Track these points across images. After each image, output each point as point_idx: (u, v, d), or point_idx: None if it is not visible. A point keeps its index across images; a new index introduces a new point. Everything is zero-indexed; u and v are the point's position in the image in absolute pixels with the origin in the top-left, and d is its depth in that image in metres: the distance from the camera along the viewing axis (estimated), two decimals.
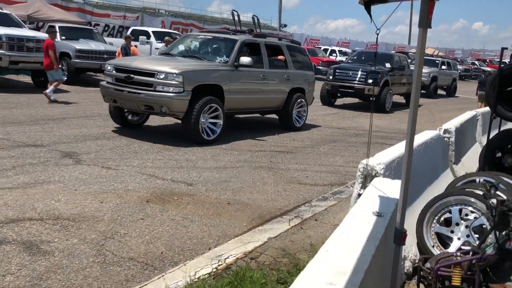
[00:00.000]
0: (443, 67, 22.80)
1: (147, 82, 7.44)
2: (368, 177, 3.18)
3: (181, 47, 9.47)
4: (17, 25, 13.31)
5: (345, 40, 45.77)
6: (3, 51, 11.71)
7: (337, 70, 15.06)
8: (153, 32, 19.70)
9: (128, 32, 18.90)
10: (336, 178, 6.61)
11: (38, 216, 4.22)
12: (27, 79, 14.10)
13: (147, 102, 7.41)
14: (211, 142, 7.83)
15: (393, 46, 45.75)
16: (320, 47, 34.29)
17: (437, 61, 22.89)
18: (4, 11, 14.52)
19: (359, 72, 14.53)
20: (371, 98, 14.68)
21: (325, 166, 7.21)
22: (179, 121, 8.06)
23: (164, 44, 14.49)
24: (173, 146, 7.43)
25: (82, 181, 5.30)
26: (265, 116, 10.67)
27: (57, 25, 16.53)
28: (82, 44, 15.40)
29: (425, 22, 2.27)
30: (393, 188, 2.80)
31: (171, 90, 7.33)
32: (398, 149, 3.87)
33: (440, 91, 23.31)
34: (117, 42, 18.92)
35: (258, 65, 9.03)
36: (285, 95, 9.75)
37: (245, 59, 8.40)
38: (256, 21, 10.48)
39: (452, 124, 6.18)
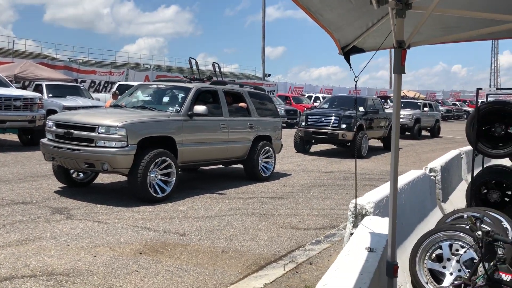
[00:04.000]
0: (425, 108, 23.42)
1: (88, 137, 6.91)
2: (358, 216, 3.28)
3: (132, 98, 8.89)
4: (4, 85, 13.48)
5: (328, 87, 46.98)
6: None
7: (309, 116, 14.82)
8: None
9: (115, 88, 19.25)
10: (328, 221, 6.66)
11: (31, 273, 4.17)
12: (13, 137, 14.12)
13: (88, 159, 6.83)
14: (163, 199, 7.19)
15: (375, 90, 47.03)
16: (305, 95, 35.08)
17: (419, 103, 23.53)
18: None
19: (332, 117, 14.32)
20: (347, 144, 14.40)
21: (316, 210, 7.27)
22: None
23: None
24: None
25: (74, 236, 5.27)
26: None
27: (43, 84, 16.78)
28: (69, 101, 15.59)
29: (399, 69, 2.46)
30: (383, 225, 2.89)
31: (113, 145, 6.80)
32: (386, 189, 3.99)
33: (424, 132, 23.82)
34: (104, 98, 19.20)
35: (217, 113, 8.63)
36: (249, 143, 9.29)
37: (199, 108, 7.93)
38: (216, 68, 10.11)
39: (438, 163, 6.35)
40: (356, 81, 2.54)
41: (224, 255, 4.96)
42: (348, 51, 2.66)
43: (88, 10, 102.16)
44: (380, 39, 2.59)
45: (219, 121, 8.64)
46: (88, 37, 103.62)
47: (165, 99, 8.83)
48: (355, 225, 3.26)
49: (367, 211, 3.28)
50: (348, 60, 2.70)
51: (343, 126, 14.07)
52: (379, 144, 17.50)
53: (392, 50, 2.44)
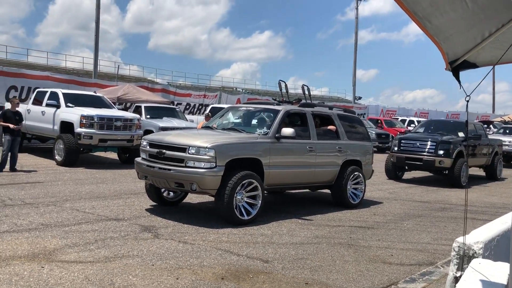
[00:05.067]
0: None
1: (179, 157, 7.04)
2: (465, 257, 2.83)
3: (222, 120, 9.00)
4: (107, 106, 14.51)
5: (424, 110, 44.66)
6: (93, 130, 12.70)
7: (402, 141, 13.93)
8: None
9: (207, 111, 19.88)
10: (424, 257, 6.06)
11: None
12: (113, 155, 15.06)
13: (177, 178, 6.95)
14: (248, 222, 7.10)
15: (476, 115, 43.80)
16: (398, 118, 33.63)
17: None
18: (98, 94, 15.97)
19: (428, 142, 13.34)
20: (444, 171, 13.36)
21: (411, 244, 6.68)
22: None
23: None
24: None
25: (159, 256, 5.30)
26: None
27: (142, 105, 17.83)
28: (165, 122, 16.39)
29: None
30: (497, 271, 2.44)
31: (202, 166, 6.86)
32: (497, 225, 3.47)
33: None
34: (197, 119, 19.91)
35: (305, 136, 8.44)
36: (338, 168, 8.93)
37: (287, 130, 7.79)
38: (305, 90, 9.88)
39: None
40: (468, 101, 2.19)
41: None
42: (457, 67, 2.30)
43: (187, 37, 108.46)
44: (498, 52, 2.20)
45: (306, 144, 8.41)
46: (187, 62, 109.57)
47: (254, 121, 8.81)
48: (460, 268, 2.82)
49: (475, 252, 2.82)
50: (457, 77, 2.34)
51: (441, 152, 13.06)
52: (480, 172, 16.07)
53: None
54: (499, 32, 2.18)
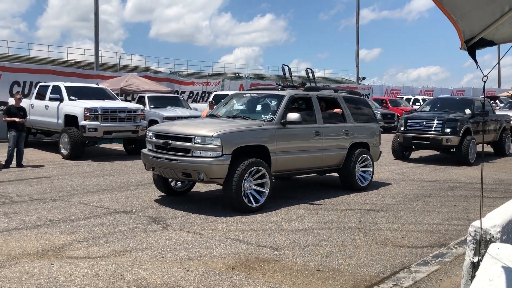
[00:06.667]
0: None
1: (185, 147, 7.04)
2: (481, 242, 2.75)
3: (226, 108, 8.93)
4: (110, 98, 14.45)
5: (428, 88, 44.25)
6: (98, 122, 12.66)
7: (409, 120, 13.78)
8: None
9: (211, 98, 19.78)
10: (435, 238, 6.00)
11: (126, 286, 4.18)
12: (119, 147, 15.04)
13: (185, 169, 6.96)
14: (257, 209, 7.06)
15: (481, 90, 43.33)
16: (402, 97, 33.34)
17: None
18: (100, 86, 15.89)
19: (435, 121, 13.22)
20: (452, 149, 13.23)
21: (421, 225, 6.61)
22: None
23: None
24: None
25: (169, 248, 5.27)
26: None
27: (146, 95, 17.74)
28: (169, 111, 16.32)
29: None
30: None
31: (208, 155, 6.85)
32: None
33: None
34: (201, 107, 19.80)
35: (310, 120, 8.38)
36: (345, 151, 8.86)
37: (293, 116, 7.71)
38: (309, 73, 9.75)
39: None
40: (485, 81, 2.09)
41: (320, 275, 4.61)
42: (473, 45, 2.19)
43: (188, 24, 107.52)
44: None
45: (313, 128, 8.33)
46: (189, 50, 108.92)
47: (259, 107, 8.75)
48: (477, 253, 2.74)
49: (492, 236, 2.73)
50: (473, 56, 2.23)
51: (448, 130, 12.93)
52: (488, 149, 15.91)
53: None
54: None
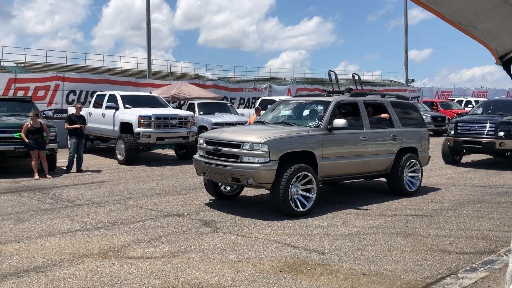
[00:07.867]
0: None
1: (234, 153, 7.33)
2: None
3: (273, 114, 9.13)
4: (162, 105, 15.06)
5: (482, 89, 42.57)
6: (151, 129, 13.25)
7: (459, 124, 13.44)
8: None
9: (257, 104, 20.09)
10: (485, 244, 5.93)
11: (181, 285, 4.47)
12: (171, 152, 15.62)
13: (234, 174, 7.25)
14: (304, 214, 7.22)
15: None
16: (454, 99, 32.32)
17: None
18: (153, 94, 16.58)
19: (487, 124, 12.81)
20: (506, 154, 12.63)
21: (471, 231, 6.54)
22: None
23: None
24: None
25: (219, 250, 5.54)
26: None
27: (195, 102, 18.32)
28: (217, 118, 16.81)
29: None
30: None
31: (256, 161, 7.10)
32: None
33: None
34: (248, 113, 20.18)
35: (357, 126, 8.45)
36: (393, 156, 8.85)
37: (339, 122, 7.83)
38: (356, 79, 9.79)
39: None
40: None
41: (366, 279, 4.72)
42: (508, 60, 2.25)
43: (235, 30, 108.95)
44: None
45: (359, 134, 8.40)
46: (236, 55, 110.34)
47: (305, 113, 8.92)
48: None
49: None
50: (508, 71, 2.29)
51: (501, 133, 12.51)
52: None
53: None
54: None
